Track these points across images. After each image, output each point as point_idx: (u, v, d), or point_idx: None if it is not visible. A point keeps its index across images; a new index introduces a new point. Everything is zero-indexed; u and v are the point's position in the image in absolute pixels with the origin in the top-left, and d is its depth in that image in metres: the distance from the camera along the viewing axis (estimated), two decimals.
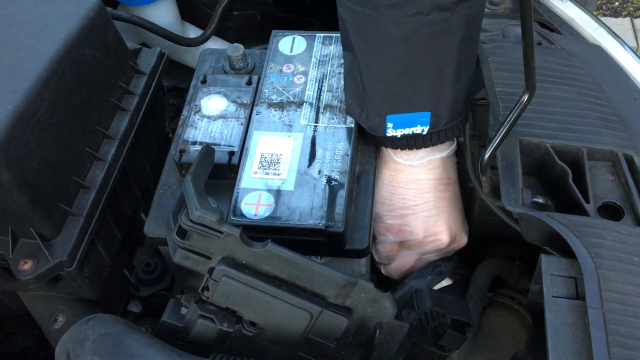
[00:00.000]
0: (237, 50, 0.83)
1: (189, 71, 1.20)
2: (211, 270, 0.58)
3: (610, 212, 0.63)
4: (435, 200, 0.74)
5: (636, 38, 2.62)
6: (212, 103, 0.77)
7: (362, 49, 0.66)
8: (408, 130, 0.69)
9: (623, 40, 0.89)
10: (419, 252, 0.78)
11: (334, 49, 0.82)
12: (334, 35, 0.83)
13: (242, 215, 0.66)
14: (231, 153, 0.72)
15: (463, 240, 0.79)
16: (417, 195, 0.74)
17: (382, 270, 0.81)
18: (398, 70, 0.65)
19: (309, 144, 0.71)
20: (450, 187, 0.76)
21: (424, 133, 0.70)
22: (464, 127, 0.73)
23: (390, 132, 0.70)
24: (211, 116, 0.76)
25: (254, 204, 0.66)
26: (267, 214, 0.66)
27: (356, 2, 0.63)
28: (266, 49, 0.84)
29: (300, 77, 0.79)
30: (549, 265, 0.56)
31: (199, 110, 0.77)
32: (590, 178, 0.64)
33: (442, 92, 0.67)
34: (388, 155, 0.74)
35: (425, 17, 0.60)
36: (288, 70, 0.80)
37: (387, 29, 0.62)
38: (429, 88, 0.66)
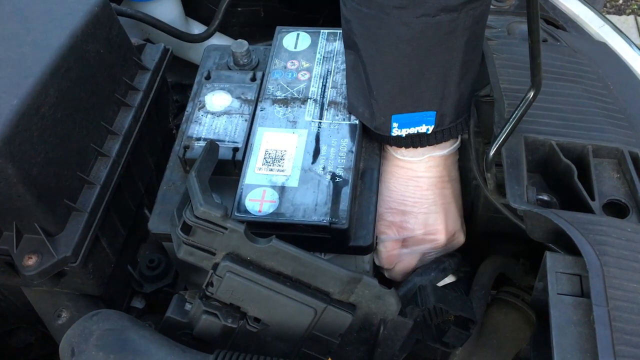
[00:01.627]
0: (241, 46, 0.83)
1: (193, 67, 1.20)
2: (215, 266, 0.58)
3: (616, 209, 0.63)
4: (435, 198, 0.74)
5: None
6: (216, 99, 0.77)
7: (368, 50, 0.66)
8: (413, 130, 0.69)
9: (628, 38, 0.89)
10: (419, 252, 0.77)
11: (339, 45, 0.81)
12: (338, 31, 0.83)
13: (247, 212, 0.66)
14: (235, 149, 0.72)
15: (460, 239, 0.78)
16: (417, 193, 0.74)
17: (386, 275, 0.81)
18: (404, 70, 0.65)
19: (313, 141, 0.71)
20: (450, 185, 0.76)
21: (429, 132, 0.70)
22: (467, 125, 0.73)
23: (396, 132, 0.70)
24: (215, 112, 0.76)
25: (258, 200, 0.66)
26: (271, 210, 0.66)
27: (362, 3, 0.62)
28: (270, 45, 0.84)
29: (305, 74, 0.79)
30: (554, 263, 0.56)
31: (203, 106, 0.77)
32: (595, 175, 0.64)
33: (448, 91, 0.67)
34: (390, 152, 0.74)
35: (432, 19, 0.60)
36: (292, 67, 0.80)
37: (394, 30, 0.62)
38: (434, 88, 0.66)
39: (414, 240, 0.76)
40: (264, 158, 0.70)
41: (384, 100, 0.68)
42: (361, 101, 0.70)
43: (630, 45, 0.87)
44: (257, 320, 0.60)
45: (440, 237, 0.75)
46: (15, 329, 0.95)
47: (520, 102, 0.62)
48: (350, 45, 0.69)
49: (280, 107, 0.75)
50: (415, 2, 0.59)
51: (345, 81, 0.76)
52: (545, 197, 0.66)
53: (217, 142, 0.71)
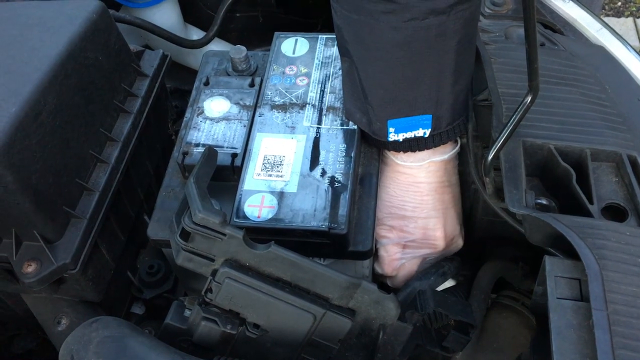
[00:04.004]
0: (239, 52, 0.83)
1: (191, 73, 1.20)
2: (214, 273, 0.58)
3: (614, 213, 0.63)
4: (434, 203, 0.74)
5: (639, 38, 2.61)
6: (215, 105, 0.77)
7: (360, 56, 0.66)
8: (410, 134, 0.69)
9: (626, 41, 0.89)
10: (419, 256, 0.77)
11: (337, 50, 0.81)
12: None
13: (245, 217, 0.66)
14: (234, 155, 0.72)
15: (459, 243, 0.79)
16: (417, 198, 0.74)
17: (389, 283, 0.81)
18: (397, 75, 0.65)
19: (312, 146, 0.71)
20: (450, 189, 0.76)
21: (426, 136, 0.70)
22: (465, 128, 0.73)
23: (392, 137, 0.70)
24: (214, 118, 0.76)
25: (257, 205, 0.66)
26: (270, 216, 0.66)
27: (351, 9, 0.63)
28: (269, 50, 0.84)
29: (303, 79, 0.79)
30: (553, 267, 0.56)
31: (202, 112, 0.77)
32: (593, 179, 0.64)
33: (442, 94, 0.67)
34: (389, 157, 0.74)
35: (422, 22, 0.60)
36: (291, 72, 0.80)
37: (384, 35, 0.62)
38: (429, 91, 0.66)
39: (414, 244, 0.76)
40: (263, 164, 0.70)
41: (379, 106, 0.68)
42: (358, 107, 0.71)
43: (627, 49, 0.87)
44: (256, 326, 0.60)
45: (439, 242, 0.75)
46: (16, 336, 0.95)
47: (518, 106, 0.62)
48: (344, 52, 0.69)
49: (279, 112, 0.75)
50: (404, 6, 0.59)
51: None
52: (544, 201, 0.66)
53: (216, 148, 0.71)
